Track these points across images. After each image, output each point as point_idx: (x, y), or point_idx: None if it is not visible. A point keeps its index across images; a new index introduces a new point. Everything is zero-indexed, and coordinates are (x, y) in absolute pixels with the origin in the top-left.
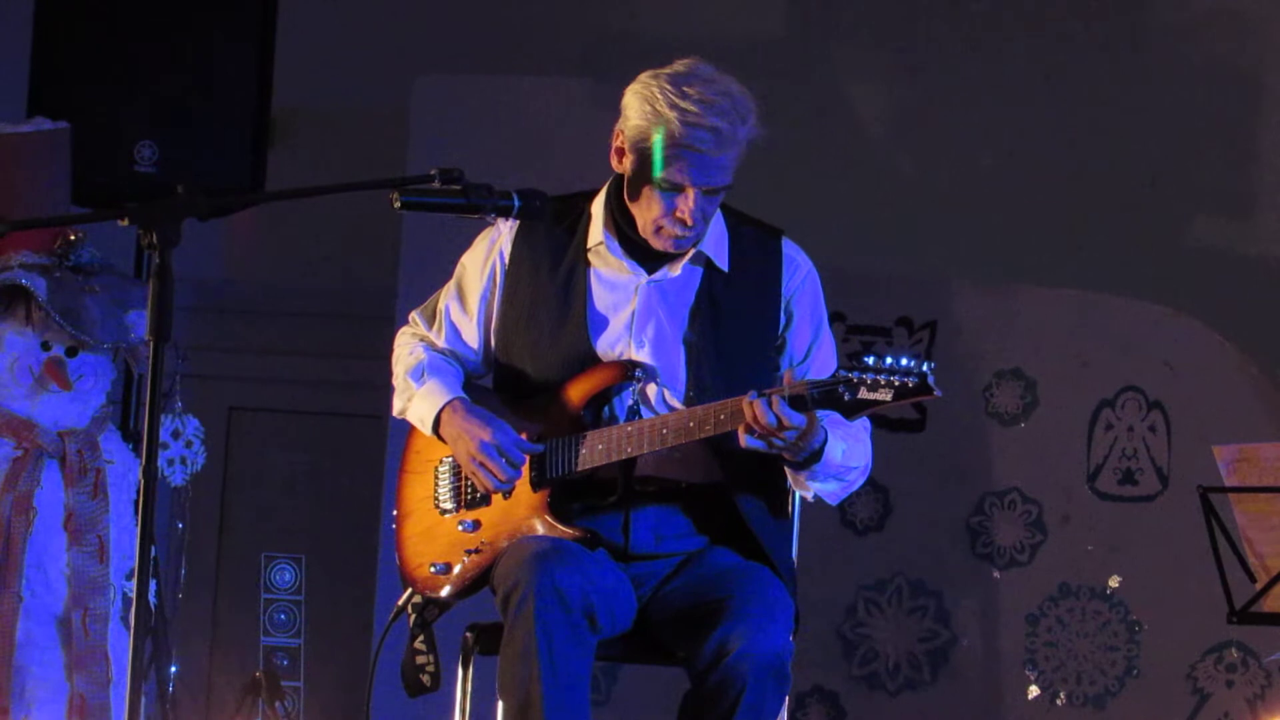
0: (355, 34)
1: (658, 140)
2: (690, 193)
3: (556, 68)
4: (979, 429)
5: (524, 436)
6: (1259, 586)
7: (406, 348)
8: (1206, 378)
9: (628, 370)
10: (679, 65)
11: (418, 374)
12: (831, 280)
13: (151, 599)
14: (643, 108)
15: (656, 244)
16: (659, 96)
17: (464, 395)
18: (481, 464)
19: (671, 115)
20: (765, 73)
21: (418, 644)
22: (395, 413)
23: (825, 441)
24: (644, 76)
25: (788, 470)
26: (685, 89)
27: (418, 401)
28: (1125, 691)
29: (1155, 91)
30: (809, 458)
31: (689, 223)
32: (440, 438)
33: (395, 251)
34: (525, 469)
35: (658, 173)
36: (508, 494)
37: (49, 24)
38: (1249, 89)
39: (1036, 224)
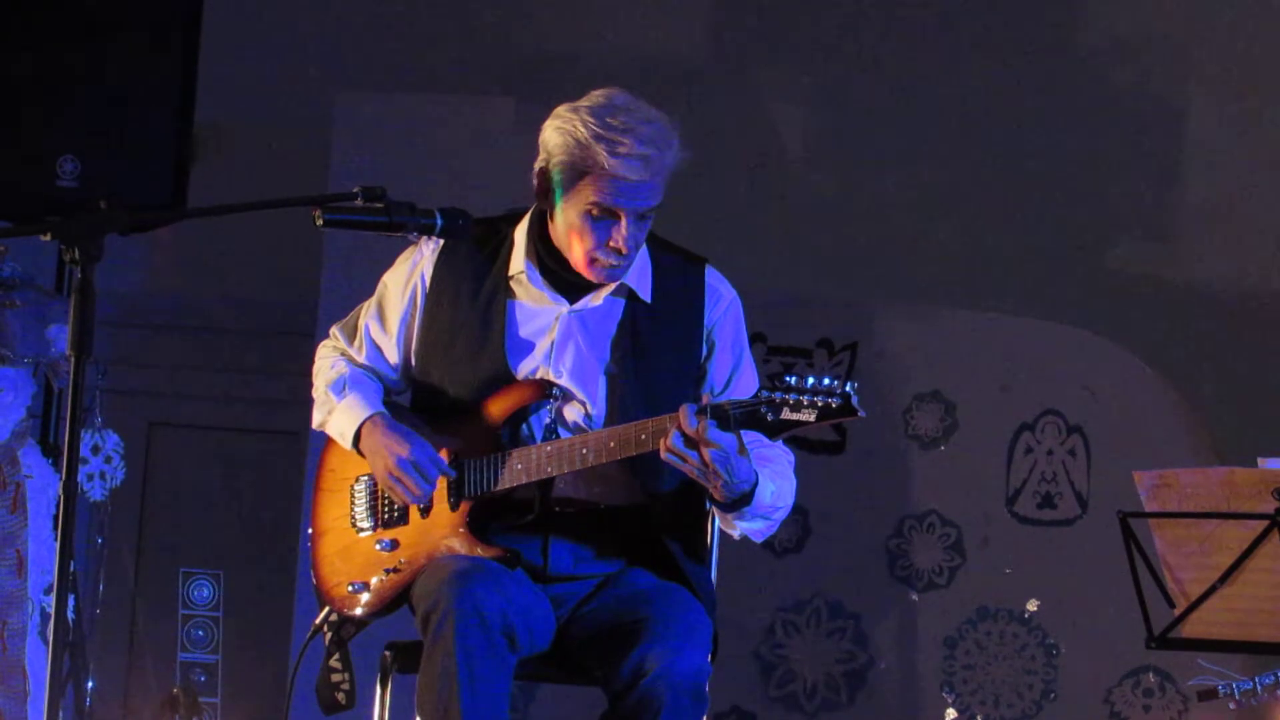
0: (278, 51)
1: (587, 172)
2: (624, 220)
3: (479, 87)
4: (899, 451)
5: (442, 454)
6: (1177, 612)
7: (328, 360)
8: (1126, 402)
9: (545, 389)
10: (597, 96)
11: (339, 388)
12: (752, 302)
13: (70, 614)
14: (566, 141)
15: (591, 275)
16: (582, 129)
17: (385, 411)
18: (398, 479)
19: (598, 146)
20: (686, 94)
21: (333, 662)
22: (315, 425)
23: (756, 484)
24: (562, 110)
25: (716, 510)
26: (609, 119)
27: (338, 415)
28: (1042, 715)
29: (1078, 116)
30: (739, 499)
31: (624, 250)
32: (359, 452)
33: (316, 268)
34: (443, 487)
35: (589, 201)
36: (425, 511)
37: None
38: (1171, 114)
39: (958, 247)
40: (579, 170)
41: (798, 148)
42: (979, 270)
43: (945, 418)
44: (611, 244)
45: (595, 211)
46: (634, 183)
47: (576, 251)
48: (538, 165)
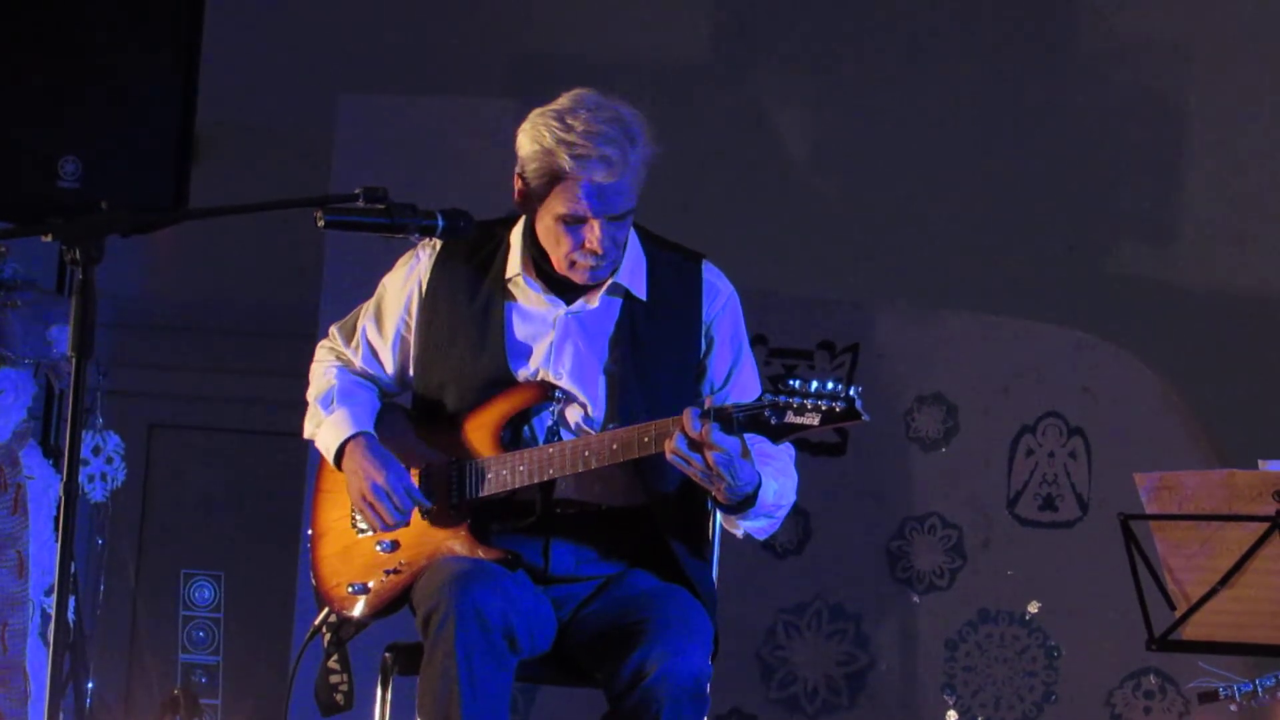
0: (280, 52)
1: (554, 178)
2: (594, 223)
3: (481, 89)
4: (900, 453)
5: (418, 472)
6: (1178, 614)
7: (322, 366)
8: (1127, 404)
9: (546, 391)
10: (564, 99)
11: (326, 401)
12: (753, 303)
13: (70, 615)
14: (533, 147)
15: (574, 278)
16: (545, 134)
17: (370, 431)
18: (370, 504)
19: (560, 151)
20: (689, 95)
21: (331, 663)
22: (305, 435)
23: (759, 486)
24: (533, 115)
25: (720, 511)
26: (570, 121)
27: (324, 430)
28: (1043, 717)
29: (1080, 118)
30: (743, 501)
31: (599, 252)
32: (341, 469)
33: (317, 269)
34: (446, 488)
35: (558, 209)
36: (429, 513)
37: None
38: (1173, 116)
39: (959, 249)
40: (547, 176)
41: (798, 149)
42: (980, 272)
43: (946, 420)
44: (586, 246)
45: (567, 219)
46: (599, 185)
47: (555, 256)
48: (515, 171)
